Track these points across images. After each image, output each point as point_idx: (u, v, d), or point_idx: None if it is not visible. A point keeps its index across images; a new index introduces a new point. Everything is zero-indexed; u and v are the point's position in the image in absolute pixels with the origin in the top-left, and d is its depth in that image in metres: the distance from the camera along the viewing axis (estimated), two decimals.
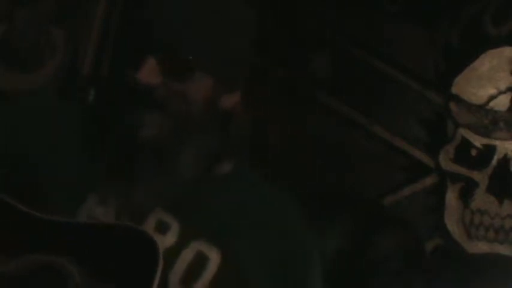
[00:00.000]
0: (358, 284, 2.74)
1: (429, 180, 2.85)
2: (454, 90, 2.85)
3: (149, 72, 1.49)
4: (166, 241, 1.49)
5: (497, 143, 2.81)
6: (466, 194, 2.81)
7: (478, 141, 2.82)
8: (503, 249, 2.78)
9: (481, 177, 2.80)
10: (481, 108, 2.82)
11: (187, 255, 1.50)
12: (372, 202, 2.83)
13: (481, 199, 2.80)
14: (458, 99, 2.84)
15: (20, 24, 2.95)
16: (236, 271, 1.52)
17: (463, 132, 2.83)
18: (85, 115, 1.57)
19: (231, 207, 1.54)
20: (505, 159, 2.80)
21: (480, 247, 2.79)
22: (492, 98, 2.82)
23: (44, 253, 1.37)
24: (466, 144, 2.82)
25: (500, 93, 2.83)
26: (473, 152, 2.82)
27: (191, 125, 1.50)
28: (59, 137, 1.52)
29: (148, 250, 1.36)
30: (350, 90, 2.89)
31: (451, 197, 2.83)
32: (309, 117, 2.87)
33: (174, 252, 1.50)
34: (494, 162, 2.80)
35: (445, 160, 2.84)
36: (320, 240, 2.78)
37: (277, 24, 2.90)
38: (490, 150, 2.81)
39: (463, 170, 2.82)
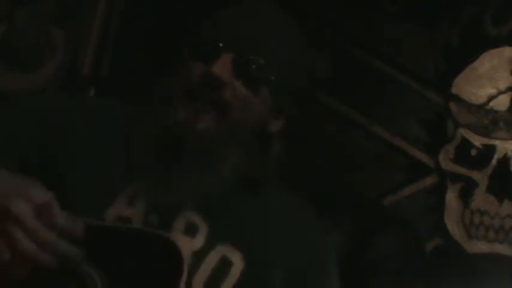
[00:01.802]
0: (358, 284, 2.74)
1: (429, 180, 2.85)
2: (454, 90, 2.85)
3: (222, 67, 1.48)
4: (194, 244, 1.48)
5: (497, 143, 2.81)
6: (466, 194, 2.81)
7: (478, 141, 2.82)
8: (503, 249, 2.78)
9: (481, 177, 2.81)
10: (481, 108, 2.82)
11: (212, 259, 1.49)
12: (372, 202, 2.84)
13: (481, 199, 2.80)
14: (458, 99, 2.84)
15: (20, 24, 2.95)
16: (258, 277, 1.51)
17: (463, 132, 2.83)
18: (119, 114, 1.55)
19: (257, 214, 1.53)
20: (505, 159, 2.80)
21: (480, 247, 2.79)
22: (492, 98, 2.83)
23: None
24: (466, 144, 2.83)
25: (500, 93, 2.83)
26: (473, 152, 2.82)
27: (242, 133, 1.49)
28: (89, 136, 1.51)
29: (173, 258, 1.35)
30: (350, 90, 2.89)
31: (451, 197, 2.83)
32: (309, 117, 2.87)
33: (200, 256, 1.48)
34: (494, 162, 2.80)
35: (445, 160, 2.84)
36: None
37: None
38: (490, 150, 2.81)
39: (463, 170, 2.82)
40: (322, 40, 2.90)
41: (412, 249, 2.78)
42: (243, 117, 1.51)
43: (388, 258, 2.71)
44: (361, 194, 2.84)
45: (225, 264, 1.50)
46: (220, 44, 1.49)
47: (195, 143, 1.47)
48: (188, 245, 1.46)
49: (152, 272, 1.37)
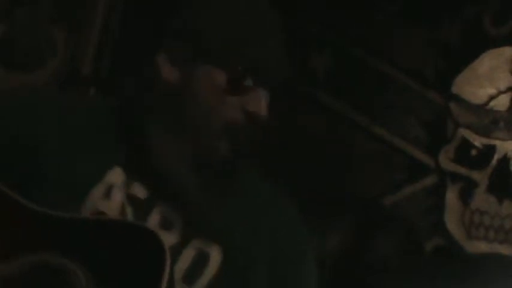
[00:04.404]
0: (357, 283, 2.74)
1: (429, 180, 2.85)
2: (454, 90, 2.85)
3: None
4: (170, 239, 1.47)
5: (497, 143, 2.81)
6: (466, 194, 2.81)
7: (478, 141, 2.82)
8: (503, 249, 2.78)
9: (481, 177, 2.81)
10: (481, 108, 2.82)
11: (189, 253, 1.49)
12: (372, 202, 2.84)
13: (481, 199, 2.80)
14: (458, 99, 2.84)
15: (20, 24, 2.95)
16: (238, 268, 1.51)
17: (463, 132, 2.83)
18: (98, 111, 1.56)
19: (234, 205, 1.53)
20: (505, 159, 2.80)
21: (480, 247, 2.79)
22: (492, 98, 2.83)
23: (46, 252, 1.36)
24: (466, 144, 2.83)
25: (500, 93, 2.83)
26: (473, 152, 2.82)
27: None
28: (69, 130, 1.51)
29: (155, 249, 1.35)
30: (350, 90, 2.89)
31: (451, 197, 2.83)
32: (309, 117, 2.87)
33: (176, 250, 1.48)
34: (494, 162, 2.80)
35: (445, 160, 2.84)
36: (318, 239, 2.79)
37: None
38: (490, 150, 2.81)
39: (463, 170, 2.82)
40: (322, 40, 2.90)
41: (412, 249, 2.78)
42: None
43: (388, 258, 2.72)
44: (361, 194, 2.84)
45: (202, 258, 1.50)
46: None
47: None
48: (164, 240, 1.45)
49: (135, 264, 1.36)
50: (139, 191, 1.50)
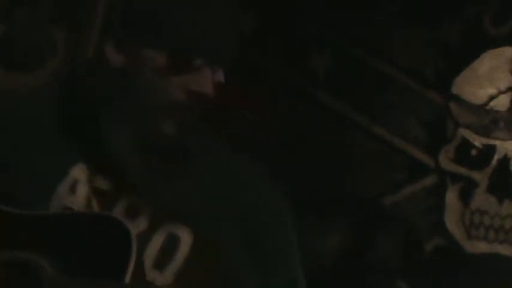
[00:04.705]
0: (357, 283, 2.74)
1: (429, 180, 2.85)
2: (454, 90, 2.85)
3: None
4: (137, 226, 1.48)
5: (497, 143, 2.81)
6: (466, 194, 2.81)
7: (478, 141, 2.82)
8: (503, 249, 2.78)
9: (481, 177, 2.81)
10: (481, 108, 2.82)
11: (159, 238, 1.49)
12: (372, 202, 2.83)
13: (481, 199, 2.80)
14: (458, 99, 2.84)
15: (20, 24, 2.95)
16: (210, 248, 1.51)
17: (463, 132, 2.83)
18: (58, 107, 1.57)
19: (201, 183, 1.54)
20: (505, 159, 2.80)
21: (480, 247, 2.79)
22: (492, 98, 2.83)
23: (14, 249, 1.37)
24: (466, 144, 2.82)
25: (500, 93, 2.83)
26: (473, 152, 2.82)
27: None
28: (28, 129, 1.52)
29: (121, 237, 1.36)
30: (350, 90, 2.89)
31: (451, 197, 2.83)
32: (309, 117, 2.87)
33: (146, 237, 1.48)
34: (494, 162, 2.80)
35: (445, 160, 2.84)
36: (318, 239, 2.79)
37: (277, 24, 2.90)
38: (490, 150, 2.81)
39: (463, 170, 2.82)
40: (322, 40, 2.90)
41: (412, 249, 2.78)
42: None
43: (388, 258, 2.72)
44: (361, 194, 2.84)
45: (172, 241, 1.50)
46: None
47: (179, 154, 1.52)
48: (130, 228, 1.46)
49: (102, 253, 1.37)
50: (103, 183, 1.51)
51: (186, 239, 1.51)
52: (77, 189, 1.50)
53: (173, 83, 1.51)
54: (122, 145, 1.50)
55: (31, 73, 2.94)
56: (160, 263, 1.49)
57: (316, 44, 2.91)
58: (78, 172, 1.51)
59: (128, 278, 1.35)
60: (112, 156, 1.51)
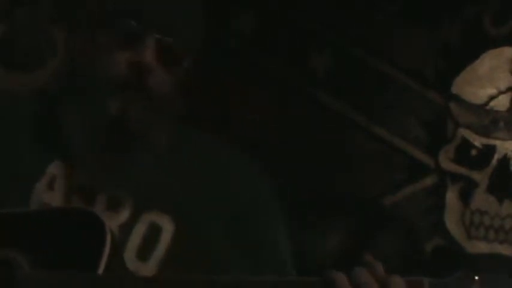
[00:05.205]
0: None
1: (429, 180, 2.85)
2: (454, 90, 2.85)
3: (148, 53, 1.46)
4: (119, 218, 1.47)
5: (497, 143, 2.81)
6: (466, 194, 2.81)
7: (478, 141, 2.82)
8: (503, 249, 2.78)
9: (481, 177, 2.81)
10: (481, 108, 2.82)
11: (140, 229, 1.48)
12: (372, 202, 2.84)
13: (481, 199, 2.80)
14: (458, 99, 2.84)
15: (20, 24, 2.95)
16: (192, 236, 1.49)
17: (463, 132, 2.83)
18: (36, 104, 1.57)
19: (180, 172, 1.52)
20: (505, 159, 2.80)
21: (480, 247, 2.79)
22: (492, 98, 2.83)
23: None
24: (466, 144, 2.83)
25: (500, 93, 2.83)
26: (473, 152, 2.82)
27: (169, 110, 1.49)
28: (9, 130, 1.52)
29: (96, 230, 1.37)
30: (350, 90, 2.89)
31: (451, 197, 2.83)
32: (309, 117, 2.87)
33: (127, 228, 1.47)
34: (494, 162, 2.80)
35: (445, 160, 2.84)
36: (319, 239, 2.79)
37: (277, 24, 2.91)
38: (490, 150, 2.81)
39: (463, 170, 2.82)
40: (322, 40, 2.90)
41: (412, 249, 2.78)
42: (168, 98, 1.50)
43: (388, 258, 2.71)
44: (361, 194, 2.84)
45: (154, 231, 1.49)
46: (142, 29, 1.48)
47: (127, 132, 1.48)
48: (113, 220, 1.46)
49: (77, 247, 1.38)
50: (82, 178, 1.50)
51: (167, 228, 1.49)
52: (55, 185, 1.50)
53: (115, 59, 1.48)
54: (76, 133, 1.49)
55: (31, 73, 2.93)
56: (143, 254, 1.48)
57: (316, 44, 2.91)
58: (55, 169, 1.50)
59: (101, 269, 1.35)
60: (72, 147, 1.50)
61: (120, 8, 1.51)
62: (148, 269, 1.48)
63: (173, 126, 1.53)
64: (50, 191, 1.50)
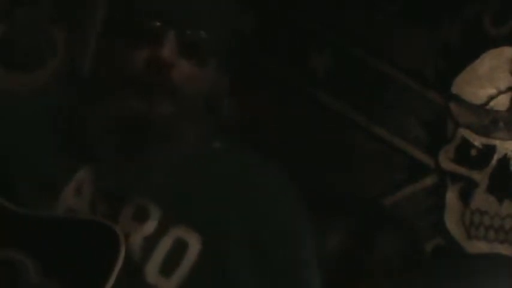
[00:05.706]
0: (357, 284, 2.74)
1: (429, 180, 2.85)
2: (454, 90, 2.85)
3: (168, 48, 1.43)
4: (145, 229, 1.44)
5: (497, 143, 2.81)
6: (466, 194, 2.81)
7: (478, 141, 2.82)
8: (503, 249, 2.78)
9: (481, 177, 2.81)
10: (481, 108, 2.82)
11: (166, 243, 1.44)
12: (372, 202, 2.84)
13: (481, 199, 2.80)
14: (458, 99, 2.84)
15: (20, 24, 2.95)
16: (219, 257, 1.45)
17: (463, 132, 2.83)
18: (57, 107, 1.56)
19: (212, 189, 1.49)
20: (505, 159, 2.80)
21: (480, 247, 2.79)
22: (492, 98, 2.83)
23: (2, 246, 1.36)
24: (466, 144, 2.83)
25: (500, 93, 2.83)
26: (473, 152, 2.82)
27: (196, 110, 1.46)
28: (31, 130, 1.50)
29: (112, 244, 1.35)
30: (350, 90, 2.89)
31: (451, 197, 2.83)
32: (309, 117, 2.87)
33: (153, 241, 1.44)
34: (494, 162, 2.80)
35: (445, 160, 2.84)
36: (319, 239, 2.78)
37: (277, 24, 2.91)
38: (490, 150, 2.81)
39: (463, 170, 2.82)
40: (322, 40, 2.90)
41: (412, 249, 2.78)
42: (195, 94, 1.47)
43: (388, 258, 2.71)
44: (361, 194, 2.84)
45: (180, 247, 1.46)
46: (159, 24, 1.45)
47: (154, 130, 1.45)
48: (137, 231, 1.43)
49: (88, 255, 1.37)
50: (110, 185, 1.47)
51: (194, 245, 1.46)
52: (83, 191, 1.47)
53: (134, 57, 1.46)
54: (101, 136, 1.47)
55: (31, 73, 2.94)
56: (167, 269, 1.45)
57: (316, 44, 2.91)
58: (85, 174, 1.48)
59: (110, 283, 1.33)
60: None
61: (140, 8, 1.48)
62: (169, 285, 1.45)
63: (203, 124, 1.51)
64: (77, 196, 1.47)
